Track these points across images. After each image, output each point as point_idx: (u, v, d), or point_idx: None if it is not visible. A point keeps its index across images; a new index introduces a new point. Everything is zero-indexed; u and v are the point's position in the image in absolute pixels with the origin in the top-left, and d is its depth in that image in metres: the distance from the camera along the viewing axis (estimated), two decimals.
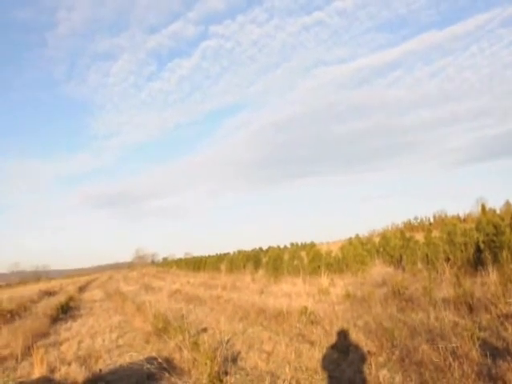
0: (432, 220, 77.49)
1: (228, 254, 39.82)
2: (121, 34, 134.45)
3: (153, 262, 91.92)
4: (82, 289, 35.56)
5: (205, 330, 9.97)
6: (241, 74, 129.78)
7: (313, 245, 25.87)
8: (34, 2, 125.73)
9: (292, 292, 14.36)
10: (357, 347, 6.92)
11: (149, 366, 6.50)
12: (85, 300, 23.55)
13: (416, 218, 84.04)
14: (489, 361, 5.45)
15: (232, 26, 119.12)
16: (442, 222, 53.82)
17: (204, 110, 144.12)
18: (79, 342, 10.39)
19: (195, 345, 7.71)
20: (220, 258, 38.19)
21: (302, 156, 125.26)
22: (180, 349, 7.74)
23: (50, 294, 28.91)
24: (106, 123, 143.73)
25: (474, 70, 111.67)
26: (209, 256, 45.06)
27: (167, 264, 65.62)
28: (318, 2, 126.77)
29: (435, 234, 19.36)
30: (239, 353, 7.71)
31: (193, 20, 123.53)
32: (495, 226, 14.91)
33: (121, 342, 10.23)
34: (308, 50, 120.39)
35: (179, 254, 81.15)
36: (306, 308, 9.53)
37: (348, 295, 11.77)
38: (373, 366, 5.88)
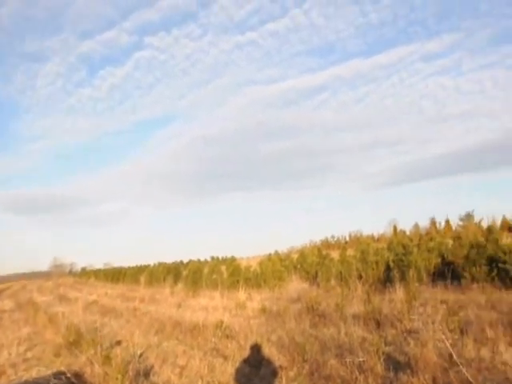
0: (348, 239, 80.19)
1: (148, 265, 39.09)
2: (52, 36, 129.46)
3: (71, 272, 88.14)
4: None
5: (119, 343, 9.69)
6: (173, 86, 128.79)
7: (233, 259, 25.96)
8: None
9: (209, 306, 14.33)
10: (269, 361, 7.04)
11: (56, 381, 6.26)
12: None
13: (333, 237, 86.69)
14: (391, 374, 5.76)
15: (167, 38, 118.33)
16: (357, 240, 55.90)
17: (134, 119, 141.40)
18: None
19: (107, 358, 7.51)
20: (140, 269, 37.38)
21: (231, 171, 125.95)
22: (91, 363, 7.50)
23: None
24: (32, 126, 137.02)
25: (394, 98, 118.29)
26: (129, 267, 43.97)
27: (85, 274, 63.15)
28: (251, 22, 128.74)
29: (350, 252, 20.12)
30: (152, 367, 7.60)
31: (128, 29, 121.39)
32: (404, 247, 15.79)
33: (29, 355, 9.66)
34: (240, 68, 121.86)
35: (99, 265, 78.26)
36: (221, 322, 9.56)
37: (264, 310, 11.92)
38: (283, 380, 6.01)
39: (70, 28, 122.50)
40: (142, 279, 31.60)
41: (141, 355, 8.10)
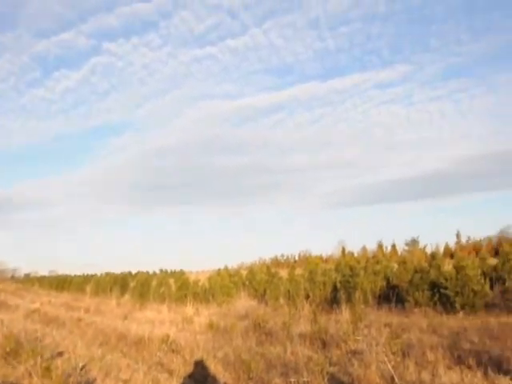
0: (297, 258, 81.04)
1: (95, 275, 38.13)
2: (6, 32, 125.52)
3: (13, 278, 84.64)
4: None
5: (60, 354, 9.34)
6: (129, 94, 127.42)
7: (182, 273, 25.73)
8: None
9: (156, 319, 14.13)
10: (214, 378, 7.00)
11: None
12: None
13: (283, 255, 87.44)
14: None
15: (125, 45, 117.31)
16: (306, 260, 56.44)
17: (88, 125, 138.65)
18: None
19: (47, 370, 7.26)
20: (86, 278, 36.45)
21: (185, 183, 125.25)
22: (30, 374, 7.23)
23: None
24: None
25: (348, 123, 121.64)
26: (74, 276, 42.75)
27: (29, 281, 60.80)
28: (211, 37, 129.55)
29: (299, 271, 20.30)
30: (95, 380, 7.39)
31: (86, 32, 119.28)
32: (351, 268, 16.09)
33: None
34: (198, 81, 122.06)
35: (44, 272, 75.52)
36: (167, 336, 9.45)
37: (211, 325, 11.85)
38: None
39: (25, 25, 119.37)
40: (88, 289, 30.82)
41: (83, 368, 7.87)
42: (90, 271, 46.53)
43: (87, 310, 18.28)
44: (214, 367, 7.52)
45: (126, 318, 15.40)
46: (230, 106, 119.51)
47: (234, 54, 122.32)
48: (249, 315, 13.15)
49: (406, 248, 72.63)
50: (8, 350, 9.11)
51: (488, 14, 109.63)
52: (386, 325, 9.64)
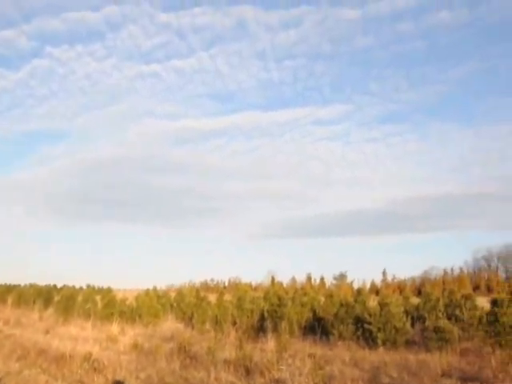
0: (227, 284, 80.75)
1: (18, 285, 36.25)
2: None
3: None
4: None
5: None
6: (68, 102, 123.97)
7: (109, 290, 24.99)
8: None
9: (80, 336, 13.68)
10: None
11: None
12: None
13: (212, 280, 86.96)
14: None
15: (69, 52, 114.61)
16: (235, 287, 56.38)
17: (22, 129, 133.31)
18: None
19: None
20: (8, 288, 34.66)
21: (118, 200, 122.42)
22: None
23: None
24: None
25: (286, 155, 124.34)
26: None
27: None
28: (158, 55, 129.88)
29: (228, 297, 20.24)
30: None
31: (29, 34, 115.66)
32: (279, 298, 16.21)
33: None
34: (141, 97, 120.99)
35: None
36: (90, 354, 9.14)
37: (136, 346, 11.59)
38: None
39: None
40: (10, 299, 29.34)
41: None
42: (12, 281, 44.24)
43: (7, 322, 17.42)
44: None
45: (48, 332, 14.79)
46: (171, 127, 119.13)
47: (180, 74, 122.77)
48: (174, 338, 12.94)
49: (334, 282, 74.33)
50: None
51: (425, 66, 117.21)
52: (309, 355, 9.79)
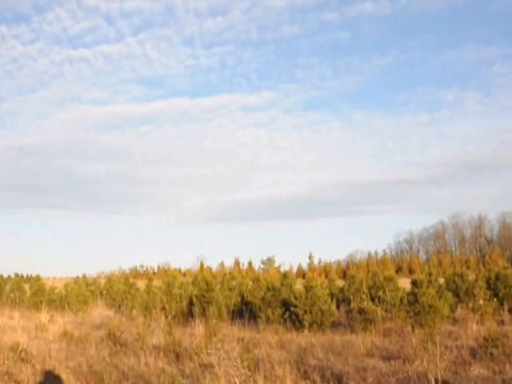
0: (156, 270, 80.00)
1: None
2: None
3: None
4: None
5: None
6: None
7: (38, 278, 24.13)
8: None
9: (7, 325, 13.30)
10: None
11: None
12: None
13: (142, 266, 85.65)
14: None
15: None
16: (164, 272, 55.98)
17: None
18: None
19: None
20: None
21: (44, 186, 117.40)
22: None
23: None
24: None
25: (213, 141, 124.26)
26: None
27: None
28: (86, 40, 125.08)
29: (157, 283, 20.19)
30: None
31: None
32: (207, 283, 16.39)
33: None
34: (68, 83, 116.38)
35: None
36: (18, 344, 8.88)
37: (65, 334, 11.40)
38: None
39: None
40: None
41: None
42: None
43: None
44: (66, 377, 7.25)
45: None
46: (99, 113, 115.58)
47: (108, 60, 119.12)
48: (104, 325, 12.81)
49: (262, 266, 75.53)
50: None
51: (349, 55, 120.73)
52: (238, 339, 10.03)
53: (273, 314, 13.62)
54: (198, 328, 11.52)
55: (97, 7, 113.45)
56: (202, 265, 72.56)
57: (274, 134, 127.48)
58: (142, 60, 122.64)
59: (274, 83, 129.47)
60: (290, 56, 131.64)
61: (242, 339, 10.23)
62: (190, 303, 15.79)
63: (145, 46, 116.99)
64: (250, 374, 7.40)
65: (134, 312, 16.13)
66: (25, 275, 47.12)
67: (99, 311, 16.85)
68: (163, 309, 15.40)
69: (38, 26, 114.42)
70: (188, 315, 15.06)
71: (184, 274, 61.54)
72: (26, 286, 21.13)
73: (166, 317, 13.78)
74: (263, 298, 14.52)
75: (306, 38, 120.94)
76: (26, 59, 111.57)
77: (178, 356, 9.03)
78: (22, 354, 8.62)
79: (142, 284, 20.07)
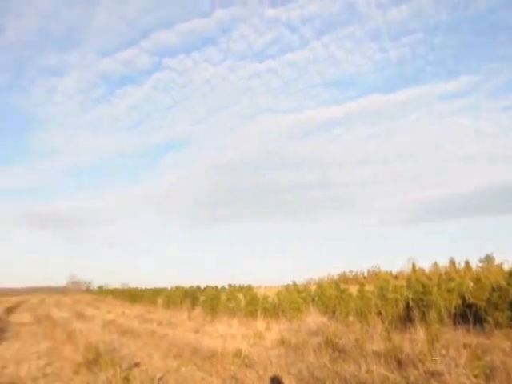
0: (366, 274, 79.54)
1: (165, 288, 39.19)
2: (71, 51, 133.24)
3: (88, 290, 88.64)
4: (9, 310, 33.46)
5: (137, 364, 9.63)
6: (190, 110, 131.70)
7: (250, 288, 25.92)
8: None
9: (227, 333, 14.23)
10: None
11: None
12: (12, 323, 22.27)
13: (351, 271, 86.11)
14: None
15: (186, 61, 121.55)
16: (375, 276, 55.33)
17: (149, 141, 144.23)
18: (2, 368, 9.83)
19: (126, 380, 7.56)
20: (157, 291, 37.58)
21: (245, 199, 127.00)
22: (110, 383, 7.55)
23: None
24: (47, 140, 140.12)
25: (411, 136, 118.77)
26: (146, 289, 44.14)
27: (103, 293, 63.52)
28: (271, 51, 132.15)
29: (368, 288, 19.90)
30: None
31: (147, 50, 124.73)
32: (423, 285, 15.56)
33: (48, 370, 9.65)
34: (257, 95, 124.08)
35: (115, 284, 78.58)
36: (240, 350, 9.52)
37: (283, 341, 11.77)
38: None
39: (89, 44, 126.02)
40: (160, 301, 31.70)
41: (160, 379, 8.11)
42: (159, 284, 47.85)
43: (160, 323, 18.76)
44: (289, 383, 7.51)
45: (197, 331, 15.64)
46: (290, 121, 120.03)
47: (293, 67, 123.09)
48: (320, 331, 12.99)
49: (480, 265, 69.58)
50: (90, 358, 9.55)
51: None
52: (464, 345, 9.31)
53: (501, 317, 12.34)
54: (419, 333, 11.02)
55: (278, 17, 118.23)
56: (413, 266, 69.87)
57: (479, 120, 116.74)
58: (328, 62, 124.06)
59: (472, 66, 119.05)
60: (489, 33, 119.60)
61: (469, 345, 9.48)
62: (407, 307, 15.19)
63: (329, 47, 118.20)
64: (483, 382, 6.77)
65: (349, 318, 16.09)
66: (237, 285, 50.74)
67: (313, 318, 17.16)
68: (379, 314, 15.09)
69: (224, 46, 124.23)
70: (405, 320, 14.48)
71: (396, 277, 59.85)
72: (240, 296, 22.51)
73: (383, 322, 13.47)
74: (488, 300, 13.24)
75: (506, 9, 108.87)
76: (216, 79, 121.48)
77: (399, 363, 8.68)
78: (245, 360, 9.18)
79: (353, 289, 19.97)
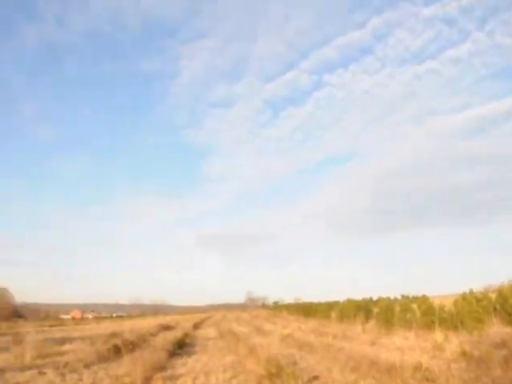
0: None
1: (338, 302, 39.44)
2: (237, 82, 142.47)
3: (263, 305, 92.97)
4: (196, 326, 36.85)
5: (316, 377, 9.94)
6: (351, 123, 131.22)
7: (425, 298, 24.87)
8: (158, 53, 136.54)
9: (404, 346, 13.98)
10: None
11: None
12: (199, 337, 24.53)
13: None
14: None
15: (344, 75, 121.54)
16: None
17: (313, 158, 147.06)
18: (194, 379, 10.78)
19: None
20: (330, 305, 38.06)
21: (415, 206, 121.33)
22: None
23: (166, 328, 30.14)
24: (219, 168, 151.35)
25: None
26: (319, 303, 44.86)
27: (277, 308, 66.18)
28: (430, 50, 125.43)
29: None
30: None
31: (307, 69, 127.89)
32: None
33: (234, 382, 10.35)
34: (420, 99, 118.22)
35: (288, 299, 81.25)
36: (420, 363, 9.28)
37: (464, 353, 11.23)
38: None
39: (252, 73, 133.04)
40: (333, 315, 32.01)
41: None
42: (331, 298, 48.11)
43: (335, 336, 19.00)
44: None
45: (373, 344, 15.53)
46: (457, 120, 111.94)
47: (456, 64, 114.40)
48: (505, 344, 11.96)
49: None
50: (272, 371, 10.15)
51: None
52: None
53: None
54: None
55: (434, 15, 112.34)
56: None
57: None
58: (493, 52, 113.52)
59: None
60: None
61: None
62: None
63: (494, 35, 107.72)
64: None
65: None
66: (410, 296, 48.58)
67: (495, 328, 15.85)
68: None
69: (381, 53, 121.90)
70: None
71: None
72: (414, 307, 21.71)
73: None
74: None
75: None
76: (375, 88, 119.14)
77: None
78: (426, 374, 8.90)
79: None
